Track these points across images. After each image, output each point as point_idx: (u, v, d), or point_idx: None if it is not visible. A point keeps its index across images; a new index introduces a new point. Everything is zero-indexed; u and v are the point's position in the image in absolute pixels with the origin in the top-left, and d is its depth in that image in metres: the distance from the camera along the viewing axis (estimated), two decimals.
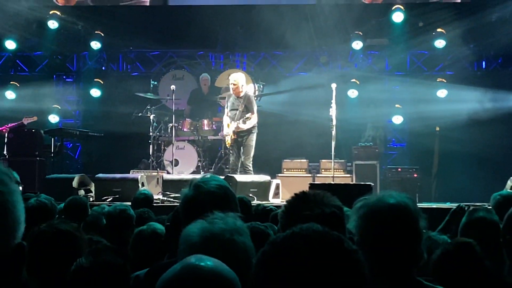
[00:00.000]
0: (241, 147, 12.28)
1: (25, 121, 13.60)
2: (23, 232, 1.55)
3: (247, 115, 11.96)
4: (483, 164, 13.63)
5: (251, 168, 12.16)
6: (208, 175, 3.29)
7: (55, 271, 3.08)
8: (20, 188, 8.07)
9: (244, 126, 12.00)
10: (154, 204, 10.88)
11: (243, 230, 2.36)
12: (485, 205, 9.20)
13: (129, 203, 7.77)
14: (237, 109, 12.17)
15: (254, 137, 12.20)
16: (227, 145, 12.66)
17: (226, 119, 12.43)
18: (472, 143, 13.70)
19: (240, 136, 12.22)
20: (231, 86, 12.30)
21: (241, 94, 12.17)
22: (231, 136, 12.19)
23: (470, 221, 4.30)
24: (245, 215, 3.17)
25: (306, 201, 2.76)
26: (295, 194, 2.88)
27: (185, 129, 13.49)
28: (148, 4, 14.72)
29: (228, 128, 12.29)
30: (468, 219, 4.34)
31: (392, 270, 2.66)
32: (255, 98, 13.50)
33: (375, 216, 2.70)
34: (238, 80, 12.21)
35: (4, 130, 13.05)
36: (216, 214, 2.38)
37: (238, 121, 11.97)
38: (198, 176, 11.49)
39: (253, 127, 12.16)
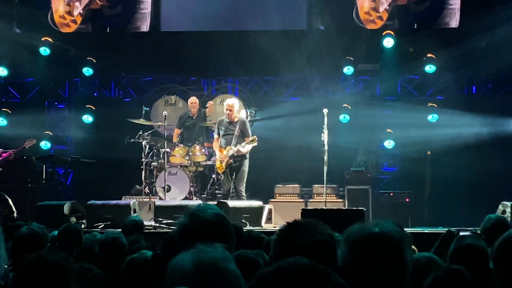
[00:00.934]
0: (235, 173, 12.34)
1: (27, 144, 13.57)
2: (2, 272, 1.52)
3: (251, 138, 12.10)
4: (475, 189, 13.65)
5: (244, 194, 12.24)
6: (204, 204, 3.28)
7: None
8: (15, 215, 8.05)
9: (244, 150, 12.13)
10: (146, 231, 10.90)
11: (232, 259, 2.36)
12: (476, 229, 9.25)
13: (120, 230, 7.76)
14: (231, 134, 12.28)
15: (247, 162, 12.35)
16: (218, 170, 12.70)
17: (217, 145, 12.50)
18: (463, 168, 13.73)
19: (235, 161, 12.30)
20: (225, 111, 12.41)
21: (236, 119, 12.31)
22: (227, 161, 12.26)
23: (458, 248, 4.32)
24: (237, 243, 3.18)
25: (299, 229, 2.76)
26: (287, 222, 2.89)
27: (177, 155, 13.48)
28: (146, 30, 14.75)
29: (222, 154, 12.33)
30: (456, 246, 4.36)
31: None
32: (249, 124, 13.61)
33: (359, 246, 2.71)
34: (234, 105, 12.40)
35: (9, 156, 13.00)
36: (203, 244, 2.37)
37: (238, 146, 12.07)
38: (191, 203, 11.54)
39: (247, 152, 12.29)
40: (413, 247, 6.48)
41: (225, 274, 2.26)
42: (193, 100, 14.09)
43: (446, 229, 9.61)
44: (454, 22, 14.14)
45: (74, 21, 14.88)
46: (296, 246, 2.70)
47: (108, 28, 14.95)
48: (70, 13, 14.84)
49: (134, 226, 7.81)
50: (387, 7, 14.25)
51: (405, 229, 5.97)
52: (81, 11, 14.82)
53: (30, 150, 13.96)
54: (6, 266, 3.86)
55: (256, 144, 12.28)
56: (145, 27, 14.75)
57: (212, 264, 2.27)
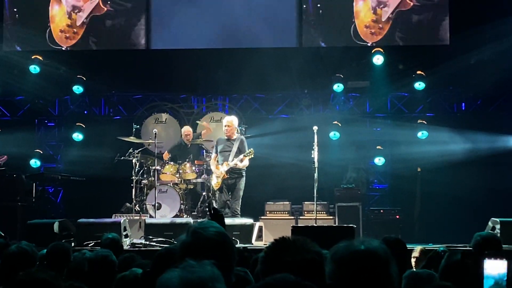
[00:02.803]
0: (230, 192, 12.40)
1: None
2: None
3: (248, 151, 12.19)
4: (465, 206, 13.70)
5: (239, 212, 12.30)
6: (206, 221, 3.29)
7: None
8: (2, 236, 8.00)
9: (240, 165, 12.20)
10: (136, 249, 10.90)
11: (220, 278, 2.35)
12: (466, 246, 9.30)
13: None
14: (228, 151, 12.37)
15: (244, 181, 12.43)
16: (214, 187, 12.74)
17: (214, 162, 12.58)
18: (453, 185, 13.79)
19: (232, 177, 12.37)
20: (225, 128, 12.51)
21: (234, 136, 12.43)
22: (223, 176, 12.32)
23: (449, 264, 4.36)
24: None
25: (286, 247, 2.79)
26: (275, 240, 2.92)
27: (167, 173, 13.49)
28: (144, 48, 14.83)
29: (218, 170, 12.39)
30: (446, 262, 4.41)
31: None
32: None
33: (345, 263, 2.75)
34: (233, 122, 12.53)
35: None
36: (191, 262, 2.36)
37: (234, 160, 12.14)
38: (181, 220, 11.48)
39: (244, 169, 12.36)
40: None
41: None
42: (187, 131, 14.11)
43: (437, 245, 9.67)
44: (447, 38, 14.29)
45: (76, 33, 14.95)
46: (284, 264, 2.73)
47: (108, 42, 15.02)
48: (71, 25, 14.92)
49: (111, 243, 7.71)
50: (391, 15, 14.38)
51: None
52: (84, 20, 14.90)
53: (18, 168, 13.92)
54: None
55: (252, 156, 12.35)
56: (143, 43, 14.84)
57: (198, 285, 2.26)
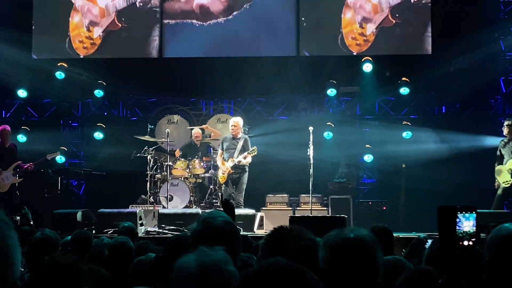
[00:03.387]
0: (235, 185, 12.43)
1: (48, 157, 13.55)
2: (18, 275, 1.54)
3: (251, 149, 12.23)
4: (444, 198, 13.61)
5: (243, 204, 12.33)
6: (215, 211, 3.30)
7: None
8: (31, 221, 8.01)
9: (245, 161, 12.25)
10: (150, 236, 10.93)
11: (231, 261, 2.37)
12: None
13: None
14: (234, 149, 12.42)
15: (247, 175, 12.47)
16: (220, 181, 12.77)
17: (220, 159, 12.61)
18: (434, 180, 13.77)
19: (236, 172, 12.41)
20: (231, 128, 12.56)
21: (239, 135, 12.47)
22: (228, 171, 12.35)
23: (432, 251, 4.36)
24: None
25: (284, 235, 2.81)
26: (274, 228, 2.94)
27: (178, 168, 13.51)
28: (156, 56, 14.86)
29: (224, 166, 12.43)
30: (430, 250, 4.40)
31: None
32: None
33: (336, 249, 2.79)
34: (239, 123, 12.60)
35: (29, 168, 12.99)
36: (203, 248, 2.37)
37: (239, 157, 12.18)
38: (190, 211, 11.52)
39: (247, 165, 12.40)
40: (403, 250, 6.54)
41: (226, 276, 2.27)
42: (197, 133, 14.10)
43: (420, 234, 9.68)
44: (429, 48, 14.31)
45: (93, 44, 15.00)
46: (282, 251, 2.75)
47: (122, 53, 15.06)
48: (90, 37, 14.96)
49: (127, 231, 7.73)
50: (374, 30, 14.40)
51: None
52: (101, 34, 14.93)
53: (46, 164, 13.93)
54: (22, 269, 3.89)
55: (256, 153, 12.38)
56: (155, 53, 14.88)
57: (214, 266, 2.27)
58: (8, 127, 13.22)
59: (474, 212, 2.53)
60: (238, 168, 12.47)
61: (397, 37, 14.47)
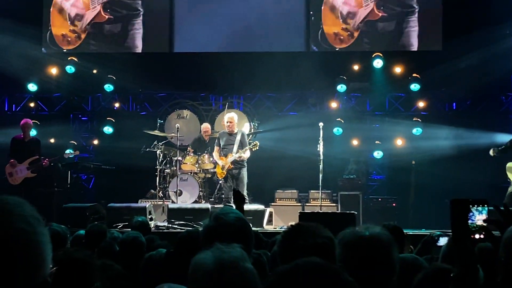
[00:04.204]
0: (235, 180, 12.38)
1: (66, 155, 13.53)
2: (49, 272, 1.53)
3: (253, 143, 12.18)
4: (454, 195, 13.36)
5: (247, 198, 12.27)
6: (226, 207, 3.27)
7: None
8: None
9: (245, 155, 12.20)
10: (160, 231, 10.92)
11: (248, 259, 2.36)
12: None
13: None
14: (232, 144, 12.35)
15: (246, 170, 12.40)
16: (218, 177, 12.75)
17: (217, 155, 12.56)
18: (444, 177, 13.70)
19: (236, 168, 12.35)
20: (227, 124, 12.47)
21: (235, 131, 12.40)
22: (228, 166, 12.31)
23: (449, 249, 4.29)
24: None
25: (301, 232, 2.78)
26: (291, 225, 2.91)
27: (188, 163, 13.49)
28: (140, 51, 14.82)
29: (223, 160, 12.39)
30: (447, 247, 4.33)
31: None
32: (252, 135, 13.71)
33: (350, 247, 2.77)
34: (233, 118, 12.52)
35: (44, 164, 12.99)
36: (220, 245, 2.36)
37: (239, 152, 12.13)
38: (200, 206, 11.48)
39: (245, 160, 12.34)
40: (410, 246, 6.49)
41: (244, 273, 2.26)
42: (206, 128, 14.06)
43: (429, 231, 9.63)
44: (415, 44, 14.23)
45: (78, 37, 14.95)
46: (298, 247, 2.72)
47: (105, 46, 15.02)
48: (74, 31, 14.93)
49: (141, 225, 7.73)
50: (360, 24, 14.32)
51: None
52: (86, 26, 14.89)
53: (68, 157, 13.94)
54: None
55: (257, 148, 12.33)
56: (139, 47, 14.83)
57: (232, 263, 2.26)
58: (29, 121, 13.24)
59: (486, 206, 2.51)
60: (237, 164, 12.39)
61: (379, 32, 14.36)
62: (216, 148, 12.71)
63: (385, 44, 14.49)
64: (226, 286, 2.25)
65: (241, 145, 12.36)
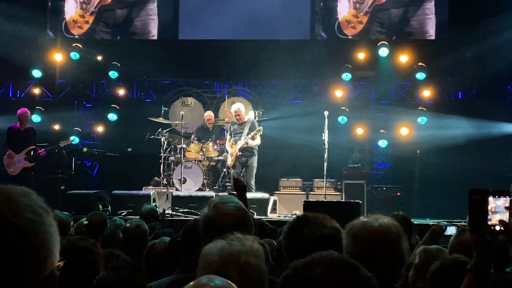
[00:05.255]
0: (245, 168, 12.39)
1: (62, 144, 13.48)
2: (57, 263, 1.49)
3: (253, 133, 12.17)
4: (459, 185, 13.53)
5: (254, 188, 12.28)
6: (226, 196, 3.22)
7: (75, 285, 3.02)
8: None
9: (253, 142, 12.21)
10: (164, 218, 10.90)
11: (259, 253, 2.33)
12: (461, 221, 9.22)
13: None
14: (240, 133, 12.36)
15: (256, 159, 12.39)
16: (229, 164, 12.75)
17: (228, 144, 12.60)
18: (449, 166, 13.67)
19: (245, 155, 12.36)
20: (235, 117, 12.53)
21: (245, 120, 12.42)
22: (236, 153, 12.32)
23: (460, 240, 4.24)
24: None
25: (307, 223, 2.73)
26: (297, 216, 2.86)
27: (192, 151, 13.45)
28: (155, 38, 14.75)
29: (232, 149, 12.40)
30: (457, 238, 4.29)
31: None
32: (257, 123, 13.65)
33: (359, 238, 2.73)
34: (240, 109, 12.51)
35: (41, 154, 12.96)
36: (235, 235, 2.36)
37: (246, 138, 12.15)
38: (204, 193, 11.48)
39: (255, 148, 12.35)
40: (417, 236, 6.45)
41: (245, 269, 2.24)
42: (209, 116, 13.98)
43: (434, 220, 9.59)
44: (431, 31, 14.11)
45: (87, 22, 14.90)
46: (305, 239, 2.68)
47: (115, 31, 14.93)
48: (83, 16, 14.87)
49: (150, 212, 7.75)
50: (368, 9, 14.23)
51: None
52: (93, 9, 14.82)
53: (64, 146, 13.90)
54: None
55: (261, 133, 12.32)
56: (154, 33, 14.76)
57: (234, 257, 2.25)
58: (27, 111, 13.17)
59: (507, 197, 2.45)
60: (246, 151, 12.41)
61: (388, 19, 14.25)
62: (227, 137, 12.78)
63: (396, 31, 14.37)
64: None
65: (250, 133, 12.39)
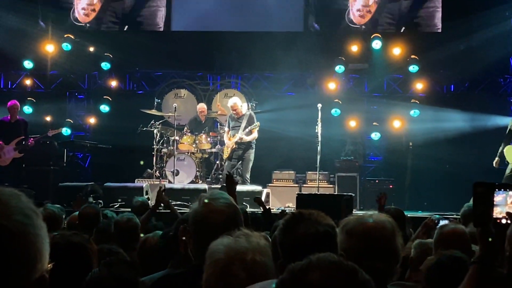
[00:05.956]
0: (241, 161, 12.40)
1: (50, 133, 13.41)
2: (46, 266, 1.47)
3: (254, 125, 12.19)
4: (451, 178, 13.61)
5: (249, 180, 12.29)
6: (217, 192, 3.18)
7: (68, 281, 3.00)
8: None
9: (247, 138, 12.21)
10: (157, 211, 10.86)
11: (265, 250, 2.32)
12: (453, 214, 9.25)
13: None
14: (238, 126, 12.40)
15: (253, 152, 12.40)
16: (224, 156, 12.76)
17: (227, 136, 12.64)
18: (441, 159, 13.71)
19: (241, 148, 12.37)
20: (233, 112, 12.59)
21: (242, 113, 12.45)
22: (232, 146, 12.34)
23: (442, 233, 4.27)
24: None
25: (302, 220, 2.71)
26: (292, 213, 2.84)
27: (185, 143, 13.42)
28: (161, 29, 14.68)
29: (230, 141, 12.43)
30: (440, 232, 4.31)
31: None
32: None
33: (354, 234, 2.72)
34: (236, 103, 12.54)
35: (30, 144, 12.89)
36: (242, 231, 2.35)
37: (242, 132, 12.17)
38: (197, 186, 11.43)
39: (253, 142, 12.37)
40: (410, 229, 6.47)
41: (251, 266, 2.24)
42: (201, 108, 13.92)
43: (426, 213, 9.61)
44: (439, 24, 14.09)
45: (93, 10, 14.81)
46: (299, 236, 2.66)
47: (123, 21, 14.84)
48: (90, 4, 14.78)
49: (141, 206, 7.71)
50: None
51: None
52: None
53: (52, 135, 13.85)
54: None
55: (257, 128, 12.34)
56: (161, 25, 14.69)
57: (240, 255, 2.25)
58: (16, 103, 13.12)
59: (507, 190, 2.45)
60: (242, 144, 12.45)
61: (396, 9, 14.21)
62: (226, 130, 12.84)
63: (405, 23, 14.32)
64: (232, 278, 2.23)
65: (248, 127, 12.41)
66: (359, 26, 14.34)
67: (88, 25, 14.81)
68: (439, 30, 14.12)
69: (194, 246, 2.94)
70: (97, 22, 14.83)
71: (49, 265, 1.47)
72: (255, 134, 12.41)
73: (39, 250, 1.43)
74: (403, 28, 14.36)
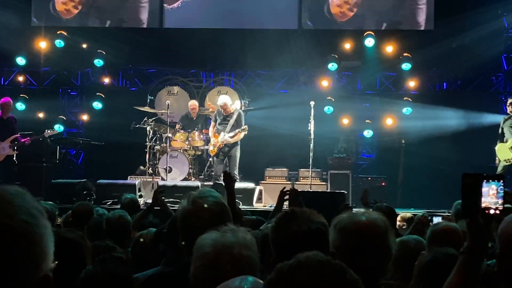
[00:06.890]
0: (227, 158, 12.34)
1: (46, 134, 13.34)
2: (51, 265, 1.47)
3: (237, 130, 12.08)
4: (443, 176, 13.64)
5: (238, 177, 12.24)
6: (205, 190, 3.19)
7: (62, 278, 3.01)
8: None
9: (231, 140, 12.13)
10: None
11: (251, 244, 2.33)
12: (445, 211, 9.28)
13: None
14: (226, 123, 12.32)
15: (238, 147, 12.34)
16: (211, 153, 12.72)
17: (212, 131, 12.51)
18: (433, 156, 13.73)
19: (227, 146, 12.30)
20: (222, 110, 12.44)
21: (232, 111, 12.36)
22: (219, 145, 12.28)
23: (435, 231, 4.28)
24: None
25: (294, 218, 2.73)
26: (285, 211, 2.86)
27: (178, 140, 13.41)
28: (145, 26, 14.67)
29: (216, 139, 12.35)
30: (432, 229, 4.33)
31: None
32: (243, 113, 13.61)
33: (346, 232, 2.72)
34: (226, 102, 12.42)
35: (26, 142, 12.85)
36: (229, 226, 2.37)
37: (228, 134, 12.07)
38: (189, 183, 11.43)
39: (237, 141, 12.30)
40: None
41: (238, 260, 2.26)
42: (193, 105, 13.86)
43: (418, 211, 9.64)
44: (423, 22, 14.11)
45: (75, 7, 14.76)
46: (292, 234, 2.68)
47: (106, 17, 14.81)
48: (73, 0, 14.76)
49: (130, 202, 7.66)
50: None
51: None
52: None
53: (44, 132, 13.81)
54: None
55: (246, 133, 12.27)
56: (145, 22, 14.66)
57: (227, 249, 2.27)
58: (10, 100, 13.07)
59: (501, 181, 2.46)
60: (228, 143, 12.37)
61: (379, 7, 14.24)
62: (212, 124, 12.67)
63: (387, 20, 14.35)
64: (219, 271, 2.24)
65: (236, 125, 12.30)
66: (339, 22, 14.33)
67: (67, 19, 14.75)
68: (422, 28, 14.16)
69: (183, 242, 2.95)
70: (80, 18, 14.78)
71: (53, 264, 1.48)
72: (241, 135, 12.32)
73: (44, 250, 1.43)
74: (385, 24, 14.39)
